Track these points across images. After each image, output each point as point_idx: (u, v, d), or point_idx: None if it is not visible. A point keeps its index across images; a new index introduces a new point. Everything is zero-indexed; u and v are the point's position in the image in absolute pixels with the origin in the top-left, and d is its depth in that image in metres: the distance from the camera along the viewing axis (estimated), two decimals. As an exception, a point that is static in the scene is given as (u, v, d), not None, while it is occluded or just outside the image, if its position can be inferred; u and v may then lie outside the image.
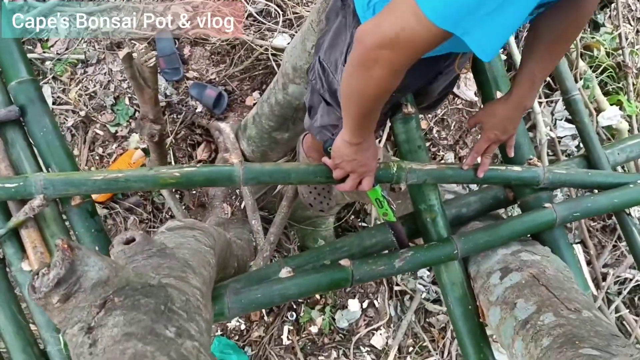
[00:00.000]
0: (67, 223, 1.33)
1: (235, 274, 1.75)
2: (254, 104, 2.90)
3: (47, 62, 2.92)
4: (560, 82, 1.68)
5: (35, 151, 1.33)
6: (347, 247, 1.49)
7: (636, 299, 3.43)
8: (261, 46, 2.84)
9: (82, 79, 2.94)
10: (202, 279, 0.94)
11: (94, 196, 1.40)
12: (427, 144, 3.08)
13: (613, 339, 1.09)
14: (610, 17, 3.34)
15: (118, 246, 0.90)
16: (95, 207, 1.32)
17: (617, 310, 3.28)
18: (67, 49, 2.96)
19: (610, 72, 3.16)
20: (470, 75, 2.69)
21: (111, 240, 1.45)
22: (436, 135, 3.07)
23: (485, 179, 1.45)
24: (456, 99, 2.89)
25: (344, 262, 1.40)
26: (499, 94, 1.55)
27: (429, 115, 3.01)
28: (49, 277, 0.64)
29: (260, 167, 1.35)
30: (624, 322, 3.32)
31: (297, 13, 2.89)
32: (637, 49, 3.31)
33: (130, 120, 2.94)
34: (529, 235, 1.55)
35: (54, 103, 2.92)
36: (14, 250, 1.26)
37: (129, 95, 2.92)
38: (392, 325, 3.04)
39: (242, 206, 2.74)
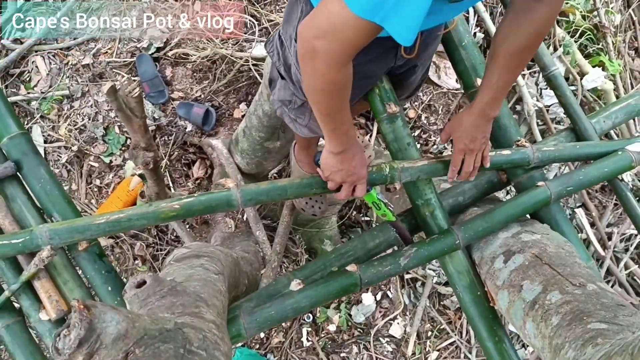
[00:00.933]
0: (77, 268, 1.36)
1: (247, 290, 1.78)
2: (242, 116, 2.93)
3: (33, 103, 2.94)
4: (537, 60, 1.70)
5: (37, 202, 1.36)
6: (352, 252, 1.51)
7: (644, 253, 3.47)
8: (241, 58, 2.85)
9: (70, 114, 2.96)
10: (216, 310, 0.97)
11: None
12: (418, 131, 3.10)
13: (619, 309, 1.13)
14: (581, -21, 3.35)
15: (131, 291, 0.93)
16: (102, 248, 1.35)
17: (626, 267, 3.32)
18: (50, 86, 2.98)
19: (589, 34, 3.18)
20: (449, 64, 2.72)
21: (120, 276, 1.48)
22: (425, 121, 3.10)
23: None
24: (440, 84, 2.92)
25: (351, 267, 1.42)
26: (479, 81, 1.57)
27: (416, 103, 3.03)
28: (70, 338, 0.67)
29: (257, 188, 1.38)
30: (635, 277, 3.36)
31: (272, 20, 2.91)
32: (611, 8, 3.33)
33: (123, 148, 2.97)
34: (527, 215, 1.57)
35: (45, 142, 2.94)
36: (30, 302, 1.29)
37: (118, 124, 2.94)
38: (407, 313, 3.08)
39: (245, 218, 2.77)
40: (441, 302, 3.15)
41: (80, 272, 1.36)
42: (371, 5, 0.90)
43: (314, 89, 1.10)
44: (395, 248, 1.58)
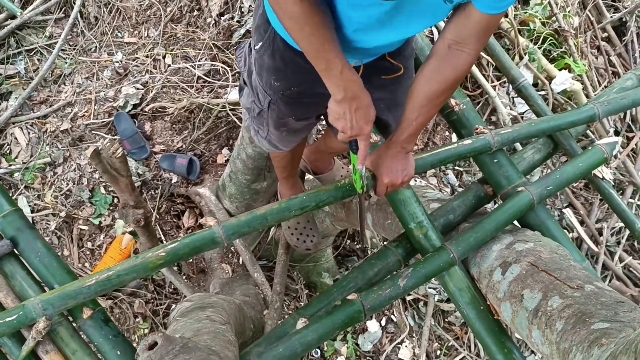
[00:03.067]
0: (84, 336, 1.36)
1: (254, 334, 1.78)
2: (226, 161, 2.96)
3: (16, 174, 2.94)
4: (506, 74, 1.76)
5: (36, 276, 1.37)
6: (352, 283, 1.53)
7: (635, 243, 3.52)
8: (218, 104, 2.89)
9: (54, 181, 2.97)
10: (229, 362, 0.98)
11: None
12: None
13: (619, 306, 1.15)
14: (535, -12, 3.47)
15: (143, 354, 0.94)
16: (107, 314, 1.35)
17: (621, 259, 3.36)
18: (31, 155, 2.99)
19: (551, 39, 3.28)
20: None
21: (128, 338, 1.48)
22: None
23: (443, 159, 1.58)
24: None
25: (352, 296, 1.44)
26: (453, 102, 1.63)
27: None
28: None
29: (237, 221, 1.40)
30: (631, 269, 3.40)
31: (243, 64, 2.96)
32: (568, 11, 3.44)
33: (111, 208, 2.97)
34: (518, 224, 1.61)
35: (32, 211, 2.93)
36: (41, 376, 1.28)
37: (104, 184, 2.95)
38: (414, 335, 3.08)
39: (241, 261, 2.78)
40: (446, 319, 3.16)
41: (87, 339, 1.35)
42: None
43: (284, 23, 1.12)
44: (395, 273, 1.60)
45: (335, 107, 1.23)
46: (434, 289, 3.08)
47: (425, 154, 1.57)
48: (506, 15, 3.01)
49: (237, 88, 2.87)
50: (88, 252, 2.95)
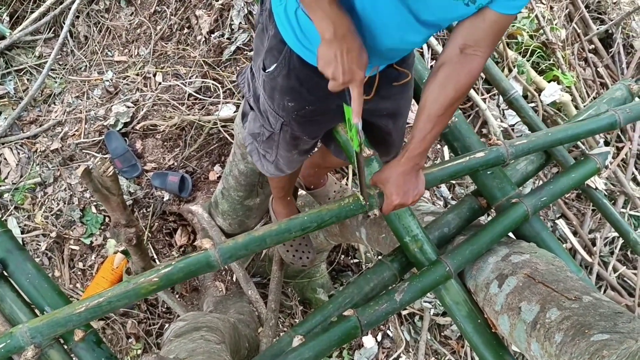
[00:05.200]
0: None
1: (249, 352, 1.76)
2: (218, 178, 2.94)
3: (5, 195, 2.91)
4: (496, 86, 1.77)
5: (27, 298, 1.34)
6: (349, 299, 1.51)
7: (629, 252, 3.52)
8: (209, 121, 2.89)
9: (44, 201, 2.94)
10: (225, 382, 0.96)
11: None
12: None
13: (618, 317, 1.15)
14: (522, 2, 3.50)
15: (137, 376, 0.92)
16: (99, 335, 1.33)
17: (615, 269, 3.37)
18: (21, 176, 2.97)
19: (539, 52, 3.31)
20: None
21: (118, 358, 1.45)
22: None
23: (453, 173, 1.53)
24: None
25: (348, 312, 1.42)
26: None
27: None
28: None
29: (234, 243, 1.35)
30: (625, 279, 3.40)
31: (234, 81, 2.96)
32: (555, 24, 3.48)
33: (102, 227, 2.94)
34: (513, 236, 1.61)
35: (22, 232, 2.90)
36: (31, 403, 1.25)
37: (95, 203, 2.93)
38: (410, 350, 3.05)
39: (235, 279, 2.75)
40: (442, 333, 3.14)
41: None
42: None
43: None
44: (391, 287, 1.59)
45: (326, 49, 1.14)
46: (430, 302, 3.06)
47: (434, 168, 1.52)
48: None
49: (227, 105, 2.87)
50: (79, 273, 2.91)
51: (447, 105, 1.26)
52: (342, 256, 3.12)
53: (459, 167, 1.54)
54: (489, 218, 1.71)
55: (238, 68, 3.00)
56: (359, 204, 1.42)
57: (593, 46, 3.72)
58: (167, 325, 2.89)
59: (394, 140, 1.69)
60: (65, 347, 1.29)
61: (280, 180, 1.96)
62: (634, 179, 3.53)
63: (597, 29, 3.68)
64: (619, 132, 3.52)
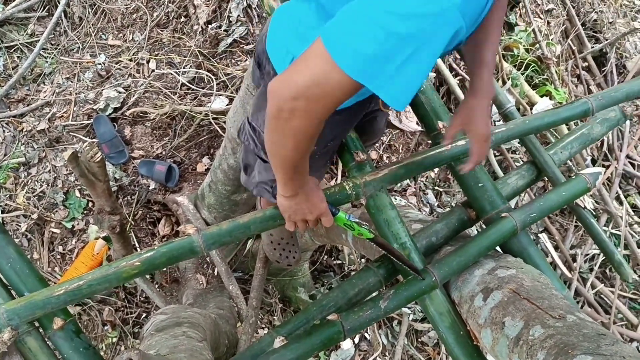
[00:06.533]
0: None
1: (228, 349, 1.75)
2: (206, 170, 2.92)
3: (-12, 173, 2.86)
4: (493, 99, 1.76)
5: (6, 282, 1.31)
6: (333, 303, 1.50)
7: (607, 270, 3.56)
8: (200, 112, 2.86)
9: (27, 182, 2.89)
10: (207, 382, 0.94)
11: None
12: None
13: (601, 339, 1.15)
14: (521, 15, 3.53)
15: (117, 371, 0.90)
16: (79, 325, 1.30)
17: (593, 286, 3.40)
18: (5, 154, 2.91)
19: (534, 66, 3.33)
20: (409, 107, 2.81)
21: (96, 346, 1.43)
22: (387, 161, 3.15)
23: (437, 161, 1.54)
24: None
25: (332, 316, 1.41)
26: (440, 124, 1.62)
27: (377, 145, 3.09)
28: None
29: (218, 229, 1.34)
30: (602, 296, 3.44)
31: (229, 74, 2.94)
32: (551, 39, 3.50)
33: (85, 212, 2.90)
34: (500, 250, 1.61)
35: (2, 212, 2.85)
36: (5, 389, 1.23)
37: (79, 187, 2.89)
38: (387, 354, 3.06)
39: (216, 273, 2.73)
40: (419, 339, 3.15)
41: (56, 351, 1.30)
42: (367, 67, 0.85)
43: (284, 147, 1.03)
44: (376, 294, 1.58)
45: (287, 202, 1.22)
46: (409, 308, 3.07)
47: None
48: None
49: (220, 97, 2.85)
50: (59, 256, 2.87)
51: (499, 36, 1.29)
52: (325, 257, 3.11)
53: (441, 155, 1.55)
54: (475, 232, 1.71)
55: (233, 61, 2.97)
56: (345, 193, 1.43)
57: (587, 64, 3.76)
58: (144, 315, 2.86)
59: (378, 122, 1.72)
60: (44, 335, 1.27)
61: None
62: (617, 198, 3.57)
63: (592, 47, 3.71)
64: (607, 152, 3.56)
